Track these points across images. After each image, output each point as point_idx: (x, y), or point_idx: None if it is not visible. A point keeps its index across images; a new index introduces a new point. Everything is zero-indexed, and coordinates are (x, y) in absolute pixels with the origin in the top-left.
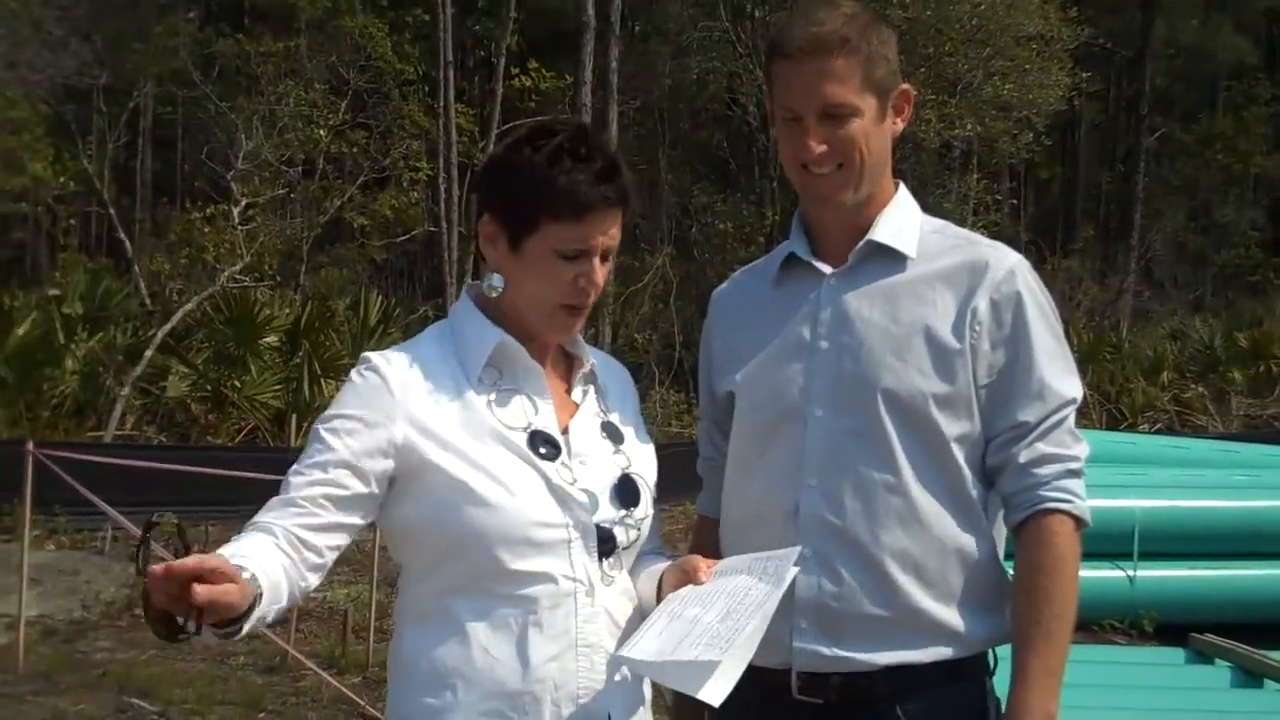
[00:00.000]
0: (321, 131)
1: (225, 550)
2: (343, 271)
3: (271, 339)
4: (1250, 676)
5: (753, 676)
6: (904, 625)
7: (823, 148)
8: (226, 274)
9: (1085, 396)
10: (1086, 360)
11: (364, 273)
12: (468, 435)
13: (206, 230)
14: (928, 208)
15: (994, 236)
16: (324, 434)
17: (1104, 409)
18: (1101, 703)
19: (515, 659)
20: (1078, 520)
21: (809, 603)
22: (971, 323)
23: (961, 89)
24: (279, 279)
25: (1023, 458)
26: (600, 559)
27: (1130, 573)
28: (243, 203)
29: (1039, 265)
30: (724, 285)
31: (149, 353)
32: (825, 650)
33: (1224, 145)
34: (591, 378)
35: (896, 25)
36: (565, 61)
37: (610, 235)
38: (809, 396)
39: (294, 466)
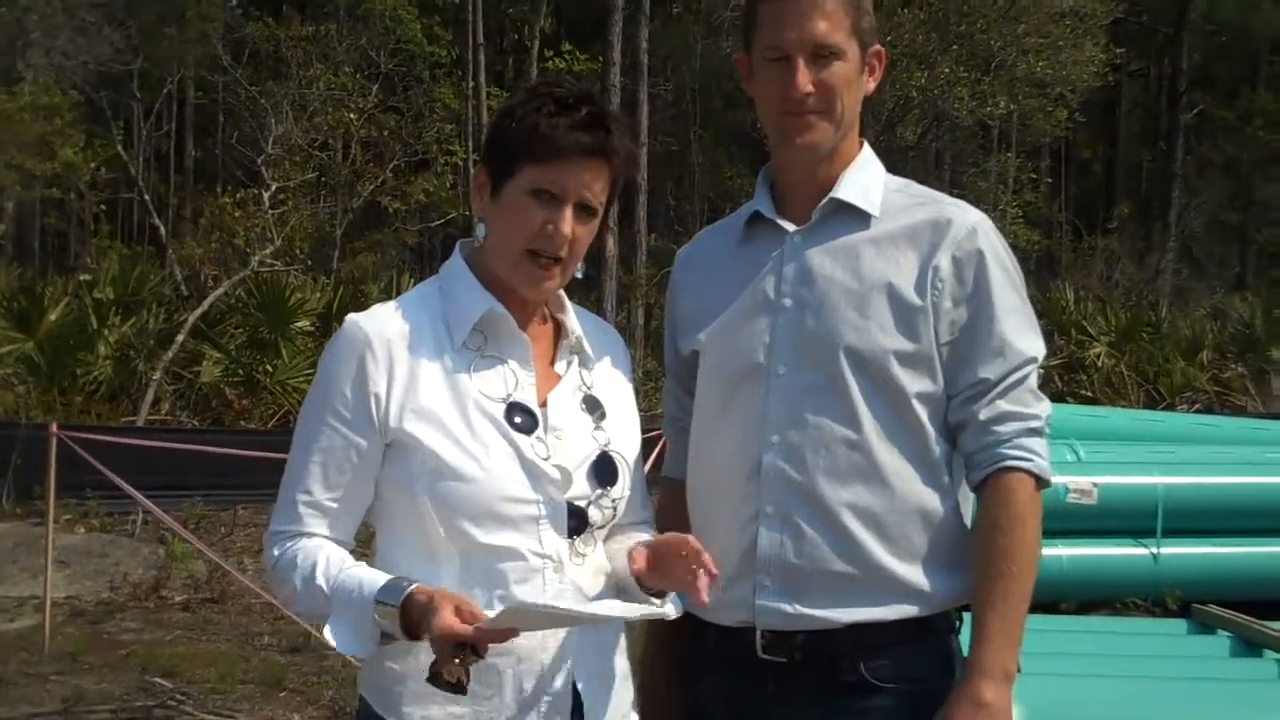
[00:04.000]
0: (352, 115)
1: (357, 574)
2: (377, 256)
3: (304, 323)
4: (1250, 646)
5: (717, 635)
6: (867, 583)
7: (809, 87)
8: (257, 258)
9: (1123, 376)
10: (1124, 340)
11: (398, 257)
12: (445, 404)
13: (237, 214)
14: (963, 187)
15: (1030, 215)
16: (323, 433)
17: (1142, 389)
18: (1098, 671)
19: None
20: (1038, 479)
21: (772, 559)
22: (933, 280)
23: (995, 67)
24: (311, 263)
25: (983, 415)
26: (571, 536)
27: (1154, 550)
28: (273, 187)
29: (1076, 244)
30: (688, 245)
31: (181, 337)
32: (788, 608)
33: (1265, 122)
34: (578, 348)
35: (929, 2)
36: (599, 43)
37: (588, 187)
38: (772, 354)
39: (300, 466)
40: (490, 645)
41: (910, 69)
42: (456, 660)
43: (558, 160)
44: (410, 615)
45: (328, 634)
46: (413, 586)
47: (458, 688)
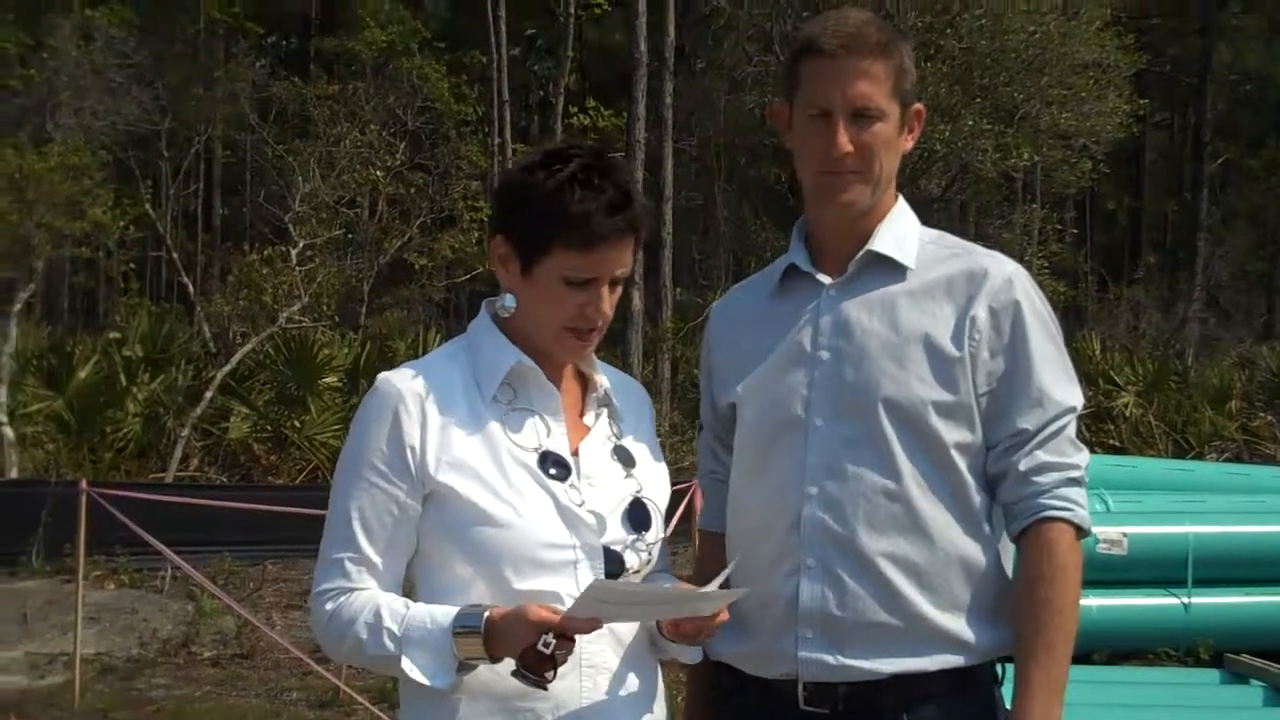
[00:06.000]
0: (379, 173)
1: (427, 610)
2: (404, 312)
3: (331, 379)
4: None
5: (759, 689)
6: (909, 633)
7: (849, 147)
8: (285, 315)
9: (1151, 426)
10: (1151, 389)
11: (424, 313)
12: (479, 455)
13: (265, 271)
14: (988, 238)
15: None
16: (361, 488)
17: (1170, 439)
18: None
19: None
20: (1079, 529)
21: (813, 612)
22: (970, 331)
23: (1018, 119)
24: (339, 320)
25: (1023, 465)
26: (609, 579)
27: (1185, 599)
28: (300, 244)
29: (1101, 295)
30: (723, 298)
31: (209, 394)
32: (830, 659)
33: None
34: (606, 400)
35: (952, 55)
36: (624, 100)
37: (620, 264)
38: (810, 406)
39: (341, 523)
40: (527, 693)
41: (934, 122)
42: (545, 649)
43: (594, 249)
44: (491, 637)
45: (406, 666)
46: (490, 609)
47: (542, 680)
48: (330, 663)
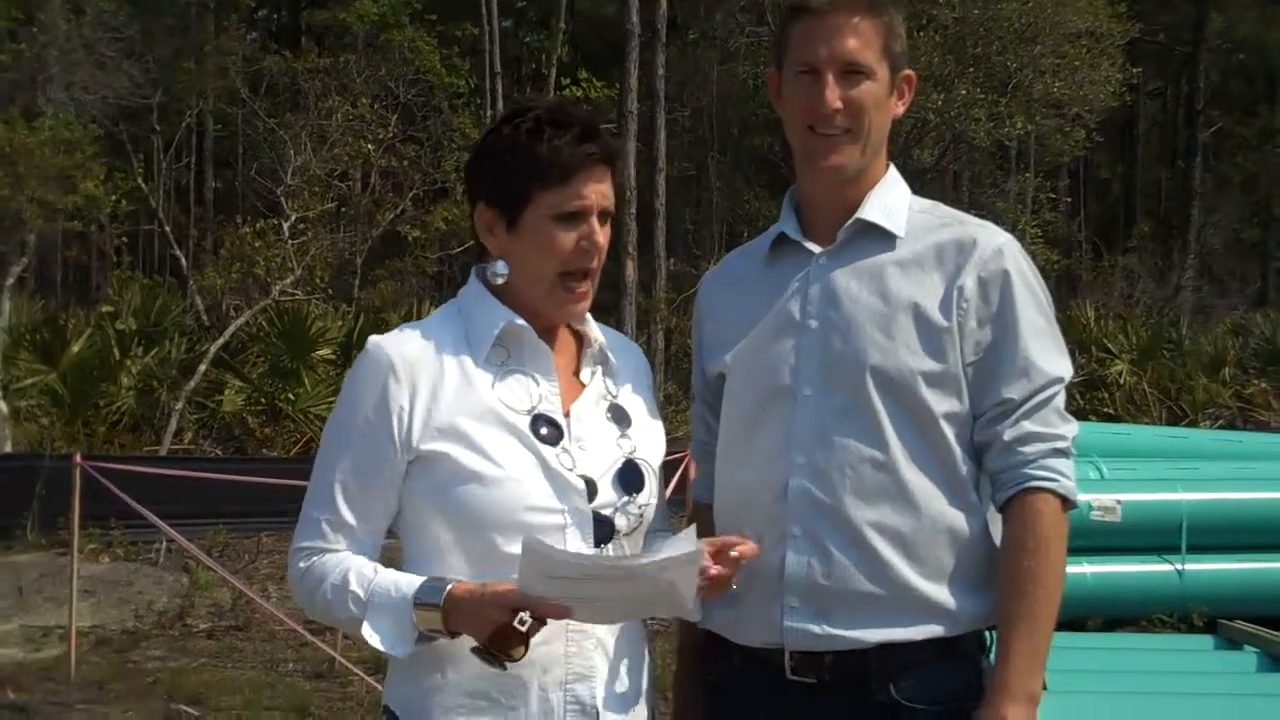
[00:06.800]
0: (370, 146)
1: (392, 577)
2: (397, 284)
3: (325, 351)
4: (1276, 661)
5: (745, 657)
6: (894, 603)
7: (838, 104)
8: (278, 288)
9: (1145, 393)
10: (1145, 357)
11: (418, 285)
12: (469, 418)
13: (257, 245)
14: (982, 207)
15: (1049, 235)
16: (346, 452)
17: (1164, 406)
18: (1125, 688)
19: None
20: (1064, 500)
21: (799, 581)
22: (959, 301)
23: (1012, 88)
24: (332, 292)
25: (1008, 435)
26: (598, 545)
27: (1179, 566)
28: (293, 217)
29: (1095, 263)
30: (714, 268)
31: (203, 367)
32: (816, 628)
33: None
34: (602, 357)
35: (945, 25)
36: (616, 71)
37: (603, 194)
38: (798, 375)
39: (324, 485)
40: (517, 658)
41: (927, 91)
42: (521, 626)
43: (572, 179)
44: (453, 614)
45: (366, 632)
46: (452, 584)
47: (506, 659)
48: (325, 634)
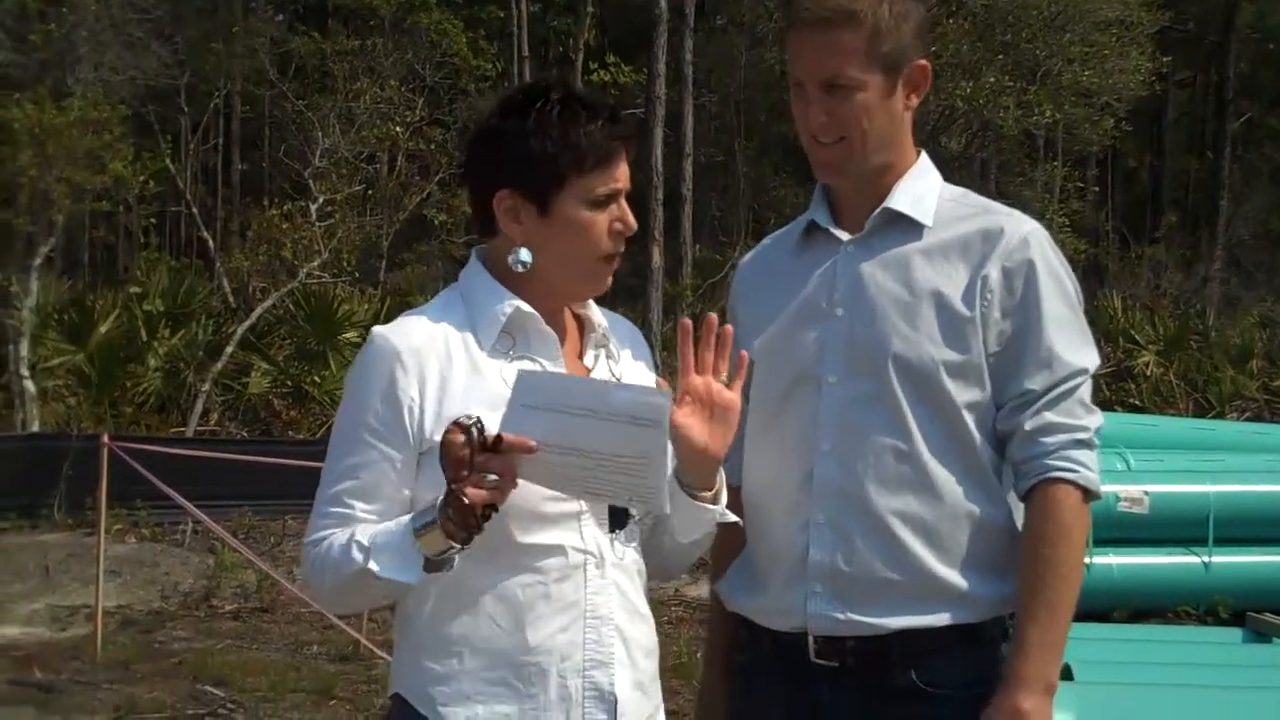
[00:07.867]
0: (398, 128)
1: (394, 521)
2: (423, 268)
3: (351, 334)
4: None
5: (772, 641)
6: (915, 589)
7: (823, 119)
8: (305, 270)
9: (1172, 385)
10: (1172, 348)
11: (444, 268)
12: (481, 407)
13: (285, 227)
14: (1009, 196)
15: (1076, 225)
16: (356, 448)
17: (1191, 398)
18: (1153, 679)
19: (522, 629)
20: (1086, 491)
21: (822, 567)
22: (983, 291)
23: (1040, 76)
24: (359, 275)
25: (1029, 425)
26: (613, 530)
27: (1205, 558)
28: (320, 200)
29: (1123, 253)
30: (748, 255)
31: (230, 349)
32: (838, 614)
33: None
34: (603, 340)
35: (974, 12)
36: (644, 55)
37: (627, 175)
38: (823, 363)
39: (334, 481)
40: (530, 646)
41: (955, 79)
42: (467, 419)
43: (609, 163)
44: (451, 520)
45: (372, 566)
46: (442, 497)
47: (466, 528)
48: (351, 617)
